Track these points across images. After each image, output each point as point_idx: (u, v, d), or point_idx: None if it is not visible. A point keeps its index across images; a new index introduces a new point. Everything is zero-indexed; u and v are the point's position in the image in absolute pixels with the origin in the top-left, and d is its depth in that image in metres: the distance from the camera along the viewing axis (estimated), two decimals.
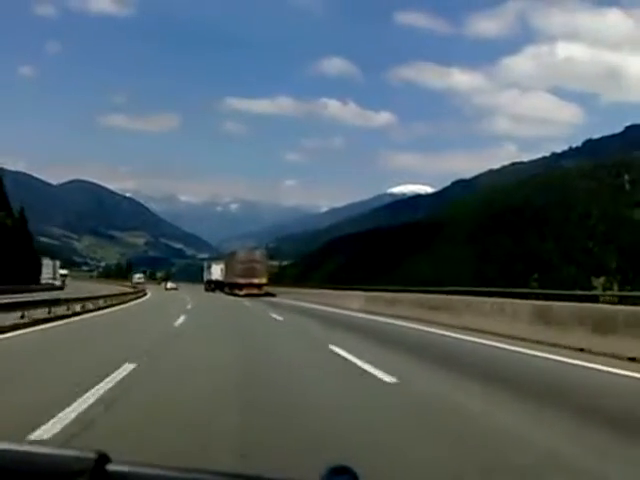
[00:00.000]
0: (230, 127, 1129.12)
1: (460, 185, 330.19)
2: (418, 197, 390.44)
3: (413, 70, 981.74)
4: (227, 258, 77.62)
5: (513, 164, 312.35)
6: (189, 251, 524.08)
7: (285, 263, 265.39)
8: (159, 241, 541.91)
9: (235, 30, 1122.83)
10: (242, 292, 54.26)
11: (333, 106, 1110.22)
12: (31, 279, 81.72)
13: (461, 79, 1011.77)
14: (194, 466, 1.05)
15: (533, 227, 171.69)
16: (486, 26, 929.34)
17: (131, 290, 54.62)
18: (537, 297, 23.97)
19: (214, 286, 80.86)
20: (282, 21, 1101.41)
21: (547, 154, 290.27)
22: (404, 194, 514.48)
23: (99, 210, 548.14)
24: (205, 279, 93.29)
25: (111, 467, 1.00)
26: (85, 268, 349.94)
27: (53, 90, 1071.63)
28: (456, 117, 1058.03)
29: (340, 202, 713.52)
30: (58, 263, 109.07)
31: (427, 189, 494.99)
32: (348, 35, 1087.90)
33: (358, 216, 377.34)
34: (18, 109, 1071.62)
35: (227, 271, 71.64)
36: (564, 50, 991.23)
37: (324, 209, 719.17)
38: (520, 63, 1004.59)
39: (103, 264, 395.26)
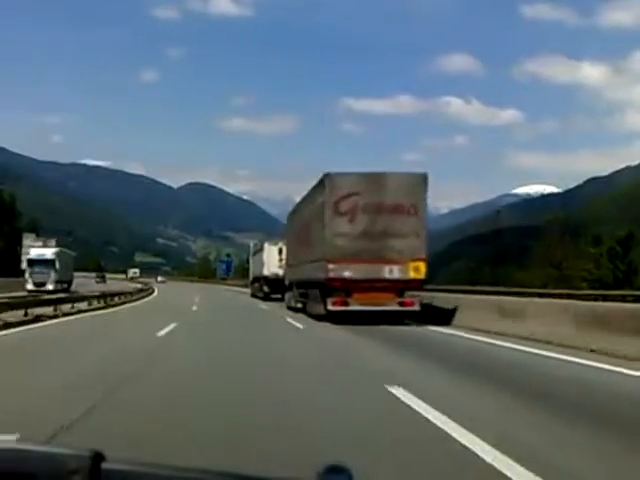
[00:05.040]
0: (347, 127, 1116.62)
1: (595, 183, 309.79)
2: (547, 196, 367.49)
3: (540, 64, 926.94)
4: (295, 210, 31.10)
5: None
6: None
7: None
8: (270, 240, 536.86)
9: (353, 29, 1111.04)
10: (352, 305, 20.02)
11: (455, 104, 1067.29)
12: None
13: (591, 73, 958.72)
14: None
15: None
16: (619, 16, 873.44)
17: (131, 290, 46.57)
18: None
19: (269, 289, 43.80)
20: (400, 18, 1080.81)
21: None
22: (528, 194, 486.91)
23: (215, 212, 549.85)
24: (251, 275, 54.99)
25: (106, 465, 0.99)
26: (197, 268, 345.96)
27: (173, 94, 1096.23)
28: (585, 113, 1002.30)
29: (461, 203, 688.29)
30: (54, 243, 61.81)
31: (552, 189, 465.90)
32: (470, 30, 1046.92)
33: (481, 217, 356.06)
34: (139, 114, 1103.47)
35: (293, 248, 30.95)
36: None
37: (444, 210, 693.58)
38: None
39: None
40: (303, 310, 25.90)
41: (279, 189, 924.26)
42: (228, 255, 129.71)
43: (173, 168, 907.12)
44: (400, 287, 20.36)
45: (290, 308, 29.79)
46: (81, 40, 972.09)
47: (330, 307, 20.08)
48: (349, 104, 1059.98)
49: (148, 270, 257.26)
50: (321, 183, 21.59)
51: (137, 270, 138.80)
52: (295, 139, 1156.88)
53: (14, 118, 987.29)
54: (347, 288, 20.05)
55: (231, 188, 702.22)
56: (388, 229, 20.17)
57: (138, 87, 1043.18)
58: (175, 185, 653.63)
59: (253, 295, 49.97)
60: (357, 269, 19.72)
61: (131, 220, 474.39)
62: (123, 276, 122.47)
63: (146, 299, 43.72)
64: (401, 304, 20.18)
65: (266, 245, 45.62)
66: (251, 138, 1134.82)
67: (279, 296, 39.59)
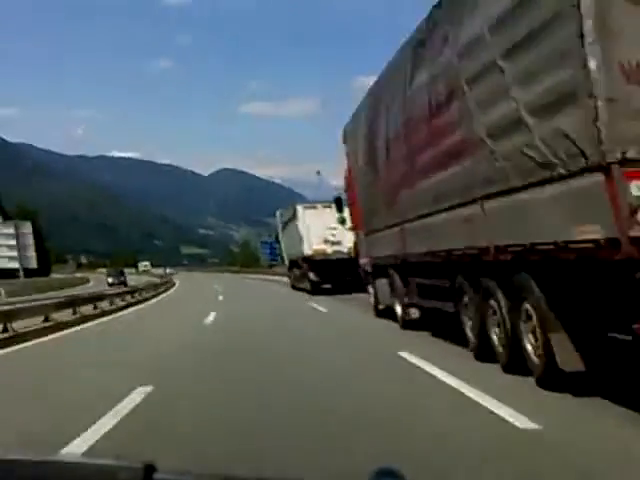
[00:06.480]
0: None
1: None
2: None
3: None
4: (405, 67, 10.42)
5: None
6: None
7: None
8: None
9: (367, 7, 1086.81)
10: None
11: None
12: None
13: None
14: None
15: None
16: None
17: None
18: None
19: (317, 277, 29.51)
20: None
21: None
22: None
23: (250, 198, 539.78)
24: (286, 258, 39.56)
25: (158, 476, 0.99)
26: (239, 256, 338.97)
27: (191, 81, 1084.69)
28: None
29: None
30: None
31: None
32: None
33: None
34: (157, 102, 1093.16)
35: (392, 183, 11.95)
36: None
37: None
38: None
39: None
40: (429, 324, 12.37)
41: (310, 171, 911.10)
42: (270, 235, 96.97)
43: (199, 156, 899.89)
44: None
45: (381, 313, 15.80)
46: (93, 31, 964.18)
47: None
48: (365, 82, 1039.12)
49: (197, 262, 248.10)
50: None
51: (147, 263, 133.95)
52: (318, 120, 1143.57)
53: (38, 115, 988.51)
54: None
55: (261, 172, 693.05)
56: None
57: (153, 75, 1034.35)
58: (206, 173, 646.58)
59: (294, 287, 35.00)
60: None
61: (168, 211, 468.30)
62: (158, 270, 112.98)
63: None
64: None
65: (300, 209, 30.49)
66: (273, 121, 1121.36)
67: (329, 286, 28.75)
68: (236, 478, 1.07)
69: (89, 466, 1.03)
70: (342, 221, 20.45)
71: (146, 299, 30.89)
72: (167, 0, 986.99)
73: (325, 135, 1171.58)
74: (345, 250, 27.26)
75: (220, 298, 30.46)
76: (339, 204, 20.54)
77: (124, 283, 55.01)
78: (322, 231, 28.66)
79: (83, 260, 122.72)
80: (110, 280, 61.43)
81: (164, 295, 37.06)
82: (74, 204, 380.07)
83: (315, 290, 29.29)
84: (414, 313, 12.93)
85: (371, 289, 16.93)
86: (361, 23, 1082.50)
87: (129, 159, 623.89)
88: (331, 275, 28.88)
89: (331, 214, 27.02)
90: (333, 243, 28.24)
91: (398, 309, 13.72)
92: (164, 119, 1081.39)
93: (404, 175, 10.97)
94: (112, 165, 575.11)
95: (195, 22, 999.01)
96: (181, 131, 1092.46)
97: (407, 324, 13.13)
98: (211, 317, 18.48)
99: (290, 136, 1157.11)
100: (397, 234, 12.06)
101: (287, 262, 39.31)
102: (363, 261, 17.17)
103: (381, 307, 15.92)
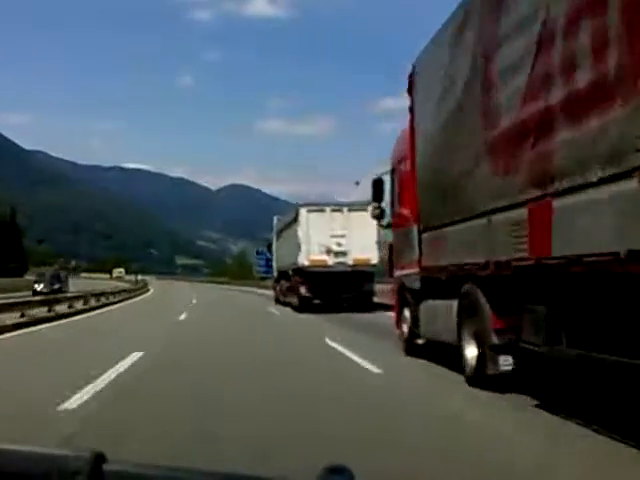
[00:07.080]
0: (386, 127, 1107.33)
1: None
2: None
3: None
4: None
5: None
6: None
7: None
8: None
9: (395, 31, 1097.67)
10: None
11: None
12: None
13: None
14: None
15: None
16: None
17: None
18: None
19: (309, 292, 25.11)
20: (440, 12, 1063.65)
21: None
22: None
23: (255, 214, 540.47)
24: (275, 268, 35.28)
25: (108, 467, 0.97)
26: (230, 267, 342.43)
27: (210, 97, 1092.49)
28: None
29: None
30: None
31: None
32: None
33: None
34: (178, 118, 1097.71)
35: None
36: None
37: None
38: None
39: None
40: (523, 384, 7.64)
41: (317, 189, 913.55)
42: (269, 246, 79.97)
43: (211, 170, 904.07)
44: None
45: (415, 350, 11.32)
46: (118, 44, 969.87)
47: None
48: (387, 105, 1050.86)
49: (191, 272, 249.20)
50: None
51: (122, 270, 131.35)
52: (333, 140, 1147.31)
53: (55, 122, 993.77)
54: None
55: (270, 189, 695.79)
56: None
57: (175, 91, 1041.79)
58: (214, 187, 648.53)
59: (279, 301, 31.43)
60: None
61: (171, 223, 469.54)
62: (129, 276, 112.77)
63: None
64: None
65: (302, 212, 25.39)
66: (288, 139, 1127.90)
67: (318, 302, 25.26)
68: (191, 469, 0.96)
69: (39, 455, 1.00)
70: (379, 215, 13.54)
71: (68, 314, 23.47)
72: (194, 16, 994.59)
73: (337, 155, 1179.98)
74: (350, 262, 24.44)
75: (182, 317, 23.17)
76: (378, 190, 13.27)
77: (59, 291, 38.60)
78: (326, 239, 24.55)
79: (72, 264, 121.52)
80: (38, 288, 42.61)
81: (103, 310, 28.75)
82: (81, 212, 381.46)
83: (303, 307, 25.16)
84: (506, 363, 7.67)
85: (407, 313, 11.60)
86: (389, 46, 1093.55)
87: (142, 171, 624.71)
88: (327, 290, 24.73)
89: (341, 219, 24.66)
90: (337, 254, 24.46)
91: (469, 352, 8.41)
92: (182, 134, 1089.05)
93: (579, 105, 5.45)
94: (124, 176, 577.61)
95: (221, 38, 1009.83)
96: (198, 146, 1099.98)
97: (482, 380, 7.96)
98: (122, 367, 10.01)
99: (304, 154, 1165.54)
100: (518, 224, 6.70)
101: (275, 273, 34.86)
102: (406, 272, 11.62)
103: (420, 342, 11.13)
